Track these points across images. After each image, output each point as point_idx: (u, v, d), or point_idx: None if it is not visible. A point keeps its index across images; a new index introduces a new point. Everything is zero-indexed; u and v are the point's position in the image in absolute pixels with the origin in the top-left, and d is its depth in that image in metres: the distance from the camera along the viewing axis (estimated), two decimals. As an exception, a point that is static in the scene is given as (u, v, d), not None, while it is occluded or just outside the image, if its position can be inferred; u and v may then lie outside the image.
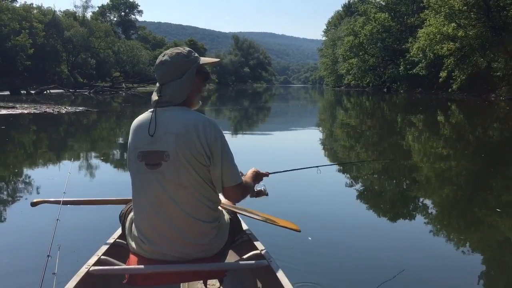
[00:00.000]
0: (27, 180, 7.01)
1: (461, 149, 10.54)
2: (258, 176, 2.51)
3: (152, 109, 2.04)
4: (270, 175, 2.70)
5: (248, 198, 2.39)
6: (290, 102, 42.48)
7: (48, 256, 2.10)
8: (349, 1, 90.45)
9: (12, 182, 6.89)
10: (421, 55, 42.25)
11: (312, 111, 28.84)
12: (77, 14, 68.23)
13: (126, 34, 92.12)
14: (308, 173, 3.55)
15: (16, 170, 7.85)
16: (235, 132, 14.28)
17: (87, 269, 2.07)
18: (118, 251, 2.39)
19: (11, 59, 47.85)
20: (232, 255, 2.49)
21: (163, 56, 2.09)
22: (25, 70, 50.44)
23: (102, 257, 2.24)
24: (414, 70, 44.87)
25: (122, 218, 2.34)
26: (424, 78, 45.70)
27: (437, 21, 36.50)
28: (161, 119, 2.00)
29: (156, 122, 1.99)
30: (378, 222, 4.85)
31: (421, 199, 6.05)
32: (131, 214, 2.18)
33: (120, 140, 11.37)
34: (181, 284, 2.59)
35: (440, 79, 39.67)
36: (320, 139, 13.10)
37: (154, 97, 2.07)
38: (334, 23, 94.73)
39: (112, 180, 6.90)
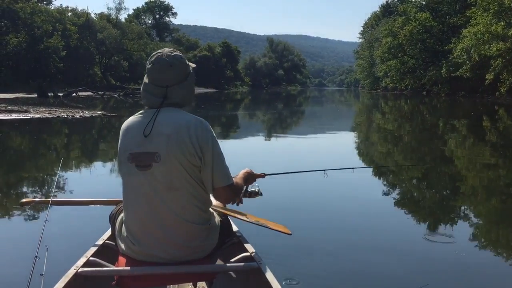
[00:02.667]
0: (16, 181, 6.97)
1: (510, 157, 9.81)
2: (250, 177, 2.48)
3: (143, 111, 2.04)
4: (266, 176, 2.66)
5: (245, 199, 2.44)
6: (325, 105, 41.60)
7: (36, 257, 2.07)
8: (387, 1, 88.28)
9: (0, 182, 6.83)
10: (465, 57, 39.92)
11: (347, 114, 27.81)
12: (111, 17, 68.38)
13: (160, 36, 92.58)
14: (319, 177, 3.28)
15: (4, 170, 7.84)
16: (268, 135, 14.43)
17: (75, 270, 2.05)
18: (107, 252, 2.37)
19: (44, 61, 47.97)
20: (222, 257, 2.42)
21: (167, 58, 2.03)
22: (58, 72, 50.53)
23: (91, 258, 2.21)
24: (458, 72, 42.47)
25: (112, 219, 2.32)
26: (468, 80, 43.35)
27: (485, 19, 33.96)
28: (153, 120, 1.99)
29: (149, 124, 1.97)
30: (378, 227, 4.68)
31: (441, 209, 5.67)
32: (121, 215, 2.16)
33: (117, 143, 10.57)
34: (171, 286, 2.55)
35: (486, 82, 37.17)
36: (353, 142, 12.68)
37: (153, 97, 2.03)
38: (371, 24, 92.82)
39: (102, 181, 6.83)
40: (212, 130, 2.04)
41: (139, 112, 2.07)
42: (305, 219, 4.89)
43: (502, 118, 20.51)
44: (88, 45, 57.81)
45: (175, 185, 1.97)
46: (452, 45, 44.79)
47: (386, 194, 6.29)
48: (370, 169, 7.73)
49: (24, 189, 6.43)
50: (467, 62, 40.37)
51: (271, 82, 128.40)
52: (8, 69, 44.91)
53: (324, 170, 3.09)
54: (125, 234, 2.08)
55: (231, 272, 2.44)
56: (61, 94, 33.67)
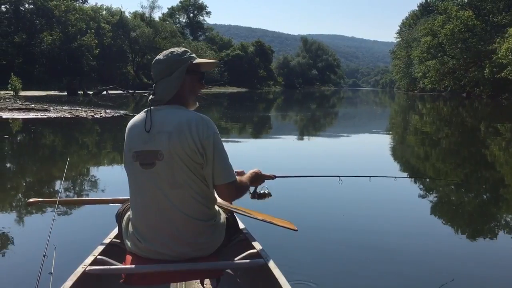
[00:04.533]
0: (23, 180, 6.99)
1: None
2: (258, 177, 2.48)
3: (146, 109, 2.05)
4: (276, 178, 2.65)
5: (248, 198, 2.45)
6: (359, 106, 40.67)
7: (44, 255, 2.09)
8: (426, 0, 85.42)
9: (8, 182, 6.76)
10: (510, 57, 37.72)
11: (382, 116, 26.47)
12: (145, 15, 68.65)
13: (194, 35, 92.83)
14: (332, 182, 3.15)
15: (11, 170, 7.85)
16: (297, 136, 14.20)
17: (83, 269, 2.06)
18: (114, 250, 2.38)
19: (77, 59, 48.24)
20: (229, 254, 2.36)
21: (159, 56, 2.13)
22: (91, 70, 50.78)
23: (99, 256, 2.22)
24: (502, 74, 40.25)
25: (119, 217, 2.34)
26: (512, 82, 41.03)
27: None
28: (156, 118, 2.01)
29: (152, 122, 2.00)
30: (389, 230, 4.55)
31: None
32: (128, 213, 2.19)
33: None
34: (178, 283, 2.53)
35: (534, 84, 34.93)
36: (384, 146, 11.93)
37: (150, 96, 2.09)
38: (408, 24, 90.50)
39: (109, 180, 6.78)
40: (214, 127, 2.03)
41: (144, 110, 2.07)
42: (313, 218, 4.89)
43: None
44: (122, 44, 58.12)
45: (178, 183, 1.98)
46: (496, 45, 42.67)
47: (406, 201, 5.93)
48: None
49: (30, 189, 6.36)
50: (513, 63, 38.20)
51: (305, 82, 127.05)
52: (42, 66, 45.39)
53: (339, 176, 3.00)
54: (131, 232, 2.10)
55: (238, 269, 2.41)
56: (91, 93, 33.44)
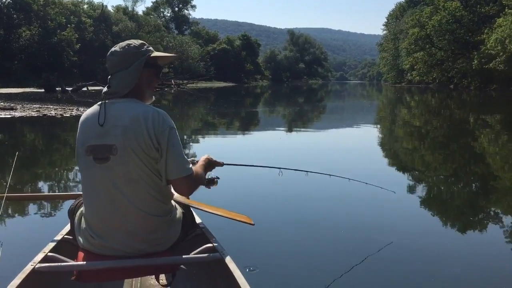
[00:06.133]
0: None
1: None
2: (210, 164, 2.44)
3: (101, 102, 2.02)
4: (225, 165, 2.61)
5: (205, 194, 2.48)
6: (347, 99, 40.32)
7: None
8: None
9: None
10: (499, 48, 37.32)
11: (370, 110, 25.97)
12: (128, 9, 67.24)
13: (179, 29, 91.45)
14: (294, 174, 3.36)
15: None
16: (287, 130, 13.91)
17: (32, 267, 2.00)
18: (66, 247, 2.33)
19: (58, 54, 46.84)
20: (185, 249, 2.32)
21: (114, 48, 2.09)
22: (72, 66, 49.38)
23: (49, 254, 2.16)
24: (491, 65, 39.90)
25: (71, 213, 2.30)
26: (501, 73, 40.79)
27: (524, 6, 31.31)
28: (110, 112, 1.98)
29: (106, 115, 1.97)
30: (336, 219, 4.69)
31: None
32: (81, 209, 2.17)
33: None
34: (133, 279, 2.55)
35: (524, 75, 34.55)
36: (370, 140, 11.77)
37: (104, 88, 2.05)
38: (395, 16, 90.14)
39: (61, 175, 6.68)
40: (171, 121, 2.02)
41: (98, 103, 2.03)
42: (269, 211, 4.89)
43: None
44: (104, 38, 56.59)
45: (133, 178, 1.95)
46: (484, 36, 42.29)
47: (364, 195, 5.56)
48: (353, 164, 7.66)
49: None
50: (502, 53, 37.79)
51: (292, 75, 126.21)
52: (20, 62, 43.86)
53: (280, 168, 3.09)
54: (84, 228, 2.06)
55: (194, 264, 2.40)
56: (69, 89, 32.18)
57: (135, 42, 2.08)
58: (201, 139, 11.71)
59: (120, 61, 2.02)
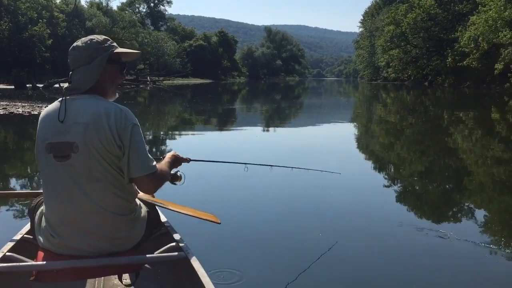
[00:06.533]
0: None
1: None
2: (176, 161, 2.41)
3: (61, 98, 1.98)
4: (191, 161, 2.60)
5: (170, 188, 2.45)
6: (324, 96, 40.48)
7: None
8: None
9: None
10: (472, 45, 37.82)
11: (347, 107, 26.16)
12: (102, 4, 66.00)
13: (155, 25, 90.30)
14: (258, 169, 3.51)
15: None
16: (264, 128, 13.79)
17: None
18: (26, 247, 2.28)
19: (29, 50, 45.62)
20: (149, 248, 2.30)
21: (76, 42, 2.05)
22: (44, 62, 48.15)
23: (8, 253, 2.12)
24: (464, 62, 40.49)
25: (31, 212, 2.26)
26: (474, 71, 41.40)
27: (497, 4, 31.68)
28: (71, 108, 1.94)
29: (66, 111, 1.94)
30: (307, 219, 4.59)
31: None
32: (41, 208, 2.12)
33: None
34: (95, 279, 2.51)
35: (496, 72, 35.14)
36: (347, 136, 12.02)
37: (66, 84, 2.03)
38: (371, 13, 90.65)
39: (21, 172, 6.60)
40: (134, 118, 1.97)
41: (59, 99, 2.00)
42: (235, 208, 4.90)
43: None
44: (78, 34, 55.15)
45: (95, 176, 1.92)
46: (458, 34, 42.84)
47: (332, 190, 5.79)
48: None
49: None
50: (475, 51, 38.32)
51: (269, 72, 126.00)
52: (-10, 58, 42.55)
53: (245, 163, 3.13)
54: (44, 227, 2.03)
55: (158, 263, 2.37)
56: (40, 86, 31.28)
57: (98, 37, 2.05)
58: (174, 137, 11.51)
59: (82, 56, 1.97)
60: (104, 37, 2.07)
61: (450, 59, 45.45)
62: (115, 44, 2.08)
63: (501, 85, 37.13)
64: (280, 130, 13.21)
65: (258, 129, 13.14)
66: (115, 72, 2.08)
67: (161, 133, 12.16)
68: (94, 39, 2.02)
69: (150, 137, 10.89)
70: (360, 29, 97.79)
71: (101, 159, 1.90)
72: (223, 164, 3.28)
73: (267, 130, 13.26)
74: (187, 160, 2.53)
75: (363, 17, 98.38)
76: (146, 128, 12.15)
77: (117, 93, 2.14)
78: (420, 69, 56.12)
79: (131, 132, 1.93)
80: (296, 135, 12.15)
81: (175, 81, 57.32)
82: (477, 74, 42.13)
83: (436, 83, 51.52)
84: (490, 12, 32.85)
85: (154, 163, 2.02)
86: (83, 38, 2.04)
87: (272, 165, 3.47)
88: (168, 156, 2.36)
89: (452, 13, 51.21)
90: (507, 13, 31.11)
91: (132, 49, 2.46)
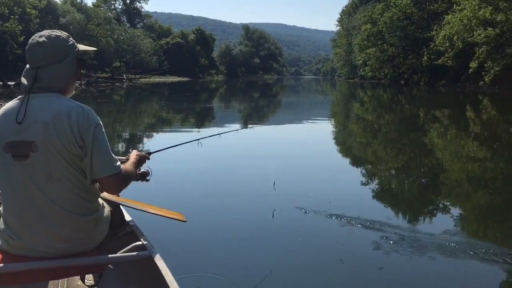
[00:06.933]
0: None
1: (496, 148, 9.45)
2: (141, 160, 2.35)
3: (21, 96, 1.94)
4: (151, 155, 2.51)
5: (135, 191, 2.53)
6: (302, 94, 40.76)
7: None
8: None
9: None
10: (447, 44, 38.27)
11: (325, 105, 26.20)
12: (76, 1, 64.61)
13: (131, 23, 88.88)
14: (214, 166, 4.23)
15: None
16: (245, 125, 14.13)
17: None
18: None
19: (0, 47, 44.33)
20: (113, 248, 2.28)
21: (39, 37, 1.96)
22: (16, 59, 46.83)
23: None
24: (439, 61, 40.97)
25: None
26: (449, 69, 42.02)
27: (472, 4, 32.08)
28: (31, 106, 1.89)
29: (26, 110, 1.89)
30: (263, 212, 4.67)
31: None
32: None
33: None
34: (58, 281, 2.50)
35: (470, 70, 35.64)
36: (323, 135, 12.09)
37: (25, 81, 1.94)
38: (348, 12, 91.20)
39: None
40: (96, 117, 1.93)
41: (18, 97, 1.96)
42: (202, 205, 4.88)
43: (486, 108, 19.93)
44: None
45: (55, 176, 1.89)
46: (433, 33, 43.31)
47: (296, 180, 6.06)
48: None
49: None
50: (450, 50, 38.81)
51: (247, 70, 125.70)
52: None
53: (198, 139, 3.16)
54: (3, 229, 1.99)
55: (122, 263, 2.32)
56: (12, 83, 30.44)
57: (61, 33, 2.00)
58: (150, 135, 11.19)
59: (50, 54, 1.92)
60: (65, 33, 2.03)
61: (425, 57, 46.00)
62: (74, 40, 2.05)
63: (475, 84, 37.72)
64: (257, 130, 13.02)
65: (237, 126, 13.01)
66: (79, 70, 2.07)
67: (131, 132, 11.87)
68: (59, 35, 1.97)
69: (127, 136, 10.67)
70: (337, 28, 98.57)
71: (62, 159, 1.87)
72: (191, 162, 3.58)
73: (245, 128, 13.15)
74: (147, 157, 2.44)
75: (340, 15, 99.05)
76: (123, 127, 11.90)
77: (73, 91, 2.11)
78: (397, 67, 56.69)
79: (93, 132, 1.89)
80: (273, 135, 12.01)
81: (151, 79, 56.65)
82: (452, 72, 42.75)
83: (412, 81, 52.09)
84: (465, 11, 33.27)
85: (118, 163, 1.98)
86: (43, 33, 1.97)
87: (220, 133, 3.62)
88: (132, 156, 2.32)
89: (427, 12, 51.83)
90: (481, 12, 31.54)
91: (91, 46, 2.50)
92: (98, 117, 1.95)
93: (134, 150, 2.40)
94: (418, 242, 3.80)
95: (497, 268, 3.41)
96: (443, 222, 4.51)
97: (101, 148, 1.91)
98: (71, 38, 2.01)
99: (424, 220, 4.69)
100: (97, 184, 2.04)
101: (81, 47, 2.07)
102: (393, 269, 3.40)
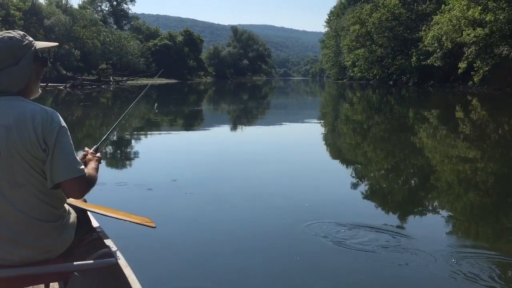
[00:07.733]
0: None
1: (486, 149, 9.50)
2: (98, 161, 2.25)
3: None
4: (97, 154, 2.36)
5: (102, 191, 2.80)
6: (291, 96, 40.73)
7: None
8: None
9: None
10: (436, 45, 38.28)
11: (314, 106, 25.94)
12: (62, 2, 63.77)
13: (118, 24, 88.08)
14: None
15: None
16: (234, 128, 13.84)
17: None
18: None
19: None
20: (79, 255, 2.23)
21: None
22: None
23: None
24: (428, 61, 41.00)
25: None
26: (438, 69, 42.06)
27: (461, 4, 32.03)
28: None
29: None
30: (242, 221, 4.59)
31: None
32: None
33: None
34: None
35: (459, 70, 35.63)
36: (312, 136, 12.08)
37: None
38: (337, 13, 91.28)
39: None
40: (60, 120, 1.89)
41: None
42: (172, 213, 4.76)
43: (476, 108, 20.02)
44: (36, 32, 53.11)
45: (19, 181, 1.84)
46: (422, 33, 43.33)
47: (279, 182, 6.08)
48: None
49: None
50: (438, 50, 38.80)
51: (236, 72, 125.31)
52: None
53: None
54: None
55: (88, 270, 2.29)
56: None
57: (16, 33, 1.93)
58: (138, 138, 10.84)
59: (5, 57, 1.85)
60: (22, 32, 1.95)
61: (414, 58, 46.05)
62: (32, 39, 1.96)
63: (464, 84, 37.76)
64: (246, 132, 12.71)
65: (224, 130, 12.63)
66: (40, 69, 1.99)
67: (125, 135, 11.46)
68: (12, 36, 1.90)
69: (114, 138, 10.32)
70: (326, 29, 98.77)
71: (25, 163, 1.82)
72: (167, 168, 3.58)
73: (234, 130, 12.90)
74: (99, 158, 2.27)
75: (328, 16, 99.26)
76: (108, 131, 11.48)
77: (40, 90, 2.02)
78: (385, 68, 56.75)
79: (57, 135, 1.84)
80: (262, 136, 11.72)
81: (139, 81, 56.01)
82: (441, 73, 42.79)
83: (401, 82, 52.17)
84: (454, 12, 33.22)
85: (82, 166, 1.92)
86: None
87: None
88: (92, 160, 2.19)
89: (416, 13, 51.96)
90: (470, 12, 31.49)
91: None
92: (63, 120, 1.89)
93: (87, 149, 2.27)
94: (410, 244, 3.76)
95: (487, 269, 3.35)
96: (433, 223, 4.55)
97: (64, 150, 1.85)
98: (27, 37, 1.94)
99: (413, 221, 4.65)
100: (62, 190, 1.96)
101: (40, 44, 1.99)
102: (392, 276, 3.34)
